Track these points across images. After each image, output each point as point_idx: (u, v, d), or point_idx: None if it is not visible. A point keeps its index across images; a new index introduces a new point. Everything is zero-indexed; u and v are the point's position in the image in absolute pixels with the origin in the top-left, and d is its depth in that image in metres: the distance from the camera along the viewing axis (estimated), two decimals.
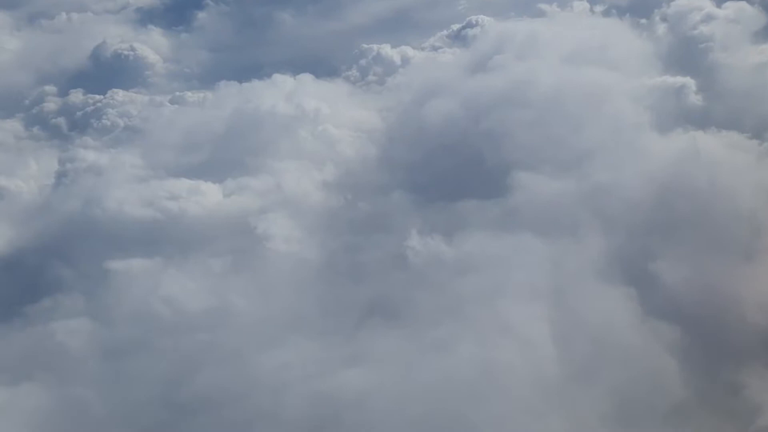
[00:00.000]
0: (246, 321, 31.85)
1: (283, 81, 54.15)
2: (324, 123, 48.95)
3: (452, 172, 37.99)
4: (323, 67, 63.44)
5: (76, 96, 63.94)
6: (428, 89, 46.70)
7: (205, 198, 40.99)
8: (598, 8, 60.52)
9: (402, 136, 44.89)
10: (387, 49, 61.57)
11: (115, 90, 63.29)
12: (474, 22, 60.76)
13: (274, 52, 71.78)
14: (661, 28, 52.06)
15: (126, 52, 71.32)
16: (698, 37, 47.81)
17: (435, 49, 62.15)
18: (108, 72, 69.81)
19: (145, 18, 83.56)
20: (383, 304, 30.14)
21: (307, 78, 54.93)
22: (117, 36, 76.71)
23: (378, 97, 56.12)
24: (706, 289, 26.96)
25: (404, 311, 29.22)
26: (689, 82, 42.89)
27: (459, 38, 59.65)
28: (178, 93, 61.70)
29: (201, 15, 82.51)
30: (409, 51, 61.22)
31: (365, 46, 64.29)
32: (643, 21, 54.85)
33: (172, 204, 40.16)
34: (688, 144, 36.44)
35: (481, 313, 27.37)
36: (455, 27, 62.34)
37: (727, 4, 51.56)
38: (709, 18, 49.36)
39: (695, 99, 42.25)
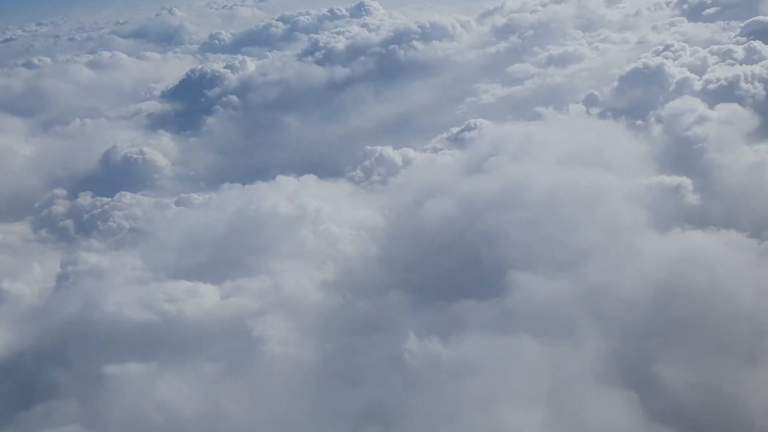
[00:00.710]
0: (238, 428, 30.97)
1: (286, 182, 55.18)
2: (325, 222, 49.28)
3: (450, 271, 37.82)
4: (328, 169, 65.36)
5: (85, 199, 65.41)
6: (427, 189, 47.45)
7: (203, 300, 40.71)
8: (594, 110, 62.73)
9: (401, 235, 45.23)
10: (389, 151, 63.33)
11: (123, 192, 64.88)
12: (472, 125, 62.84)
13: (280, 154, 74.00)
14: (657, 129, 53.44)
15: (135, 156, 73.64)
16: (693, 138, 48.84)
17: (436, 150, 64.00)
18: (117, 175, 71.87)
19: (156, 123, 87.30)
20: (379, 410, 29.24)
21: (310, 179, 56.06)
22: (128, 140, 79.58)
23: (380, 197, 57.01)
24: (709, 392, 26.07)
25: (400, 417, 28.35)
26: (686, 181, 43.20)
27: (458, 141, 61.39)
28: (183, 195, 62.85)
29: (210, 120, 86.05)
30: (411, 152, 62.92)
31: (369, 147, 66.29)
32: (639, 122, 56.48)
33: (169, 306, 39.91)
34: (687, 243, 36.21)
35: (477, 418, 26.52)
36: (455, 130, 64.42)
37: (720, 105, 53.24)
38: (702, 119, 50.71)
39: (693, 198, 42.39)
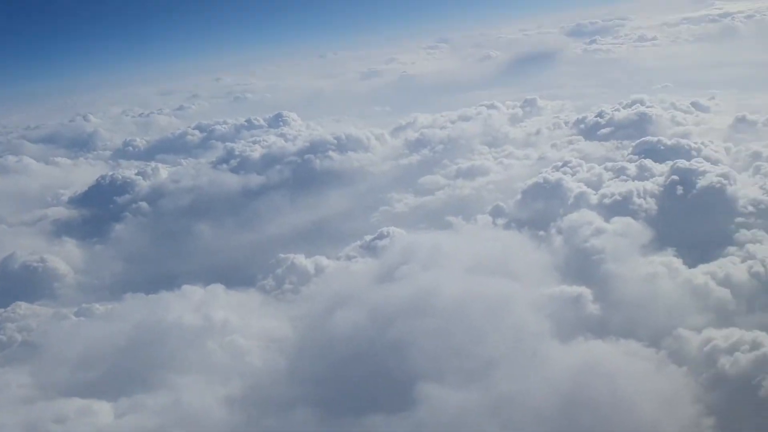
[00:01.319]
0: None
1: (193, 292, 53.56)
2: (232, 334, 47.71)
3: (359, 384, 36.92)
4: (238, 277, 64.05)
5: None
6: (339, 298, 46.98)
7: (96, 419, 37.82)
8: (500, 221, 65.22)
9: (311, 346, 44.19)
10: (301, 259, 62.95)
11: (19, 303, 60.94)
12: (385, 233, 63.68)
13: (189, 263, 72.39)
14: (558, 240, 55.79)
15: (35, 264, 70.20)
16: (591, 249, 51.28)
17: (349, 258, 64.04)
18: (14, 284, 67.95)
19: (61, 230, 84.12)
20: None
21: (217, 288, 54.66)
22: (29, 247, 75.99)
23: (291, 306, 56.01)
24: None
25: None
26: (585, 291, 44.88)
27: (371, 249, 61.81)
28: (85, 305, 59.59)
29: (118, 227, 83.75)
30: (324, 261, 62.70)
31: (282, 255, 65.69)
32: (541, 233, 58.94)
33: (57, 428, 36.80)
34: (589, 353, 37.17)
35: None
36: (368, 238, 65.09)
37: (615, 219, 56.54)
38: (598, 232, 53.54)
39: (593, 308, 43.92)
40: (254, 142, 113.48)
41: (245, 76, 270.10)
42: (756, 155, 72.27)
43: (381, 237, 63.51)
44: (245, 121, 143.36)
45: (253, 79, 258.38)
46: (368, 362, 37.38)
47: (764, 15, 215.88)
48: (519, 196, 69.00)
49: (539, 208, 64.94)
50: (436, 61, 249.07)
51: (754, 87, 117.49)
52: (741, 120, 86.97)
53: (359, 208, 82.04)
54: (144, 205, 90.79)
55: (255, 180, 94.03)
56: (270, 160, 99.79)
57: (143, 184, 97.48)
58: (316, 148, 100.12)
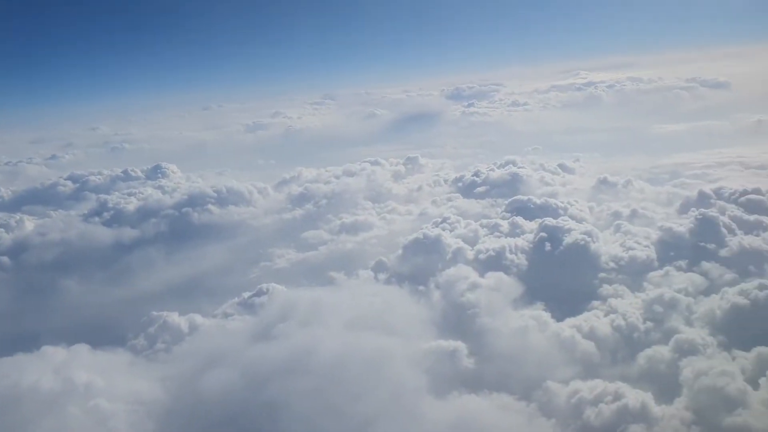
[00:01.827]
0: None
1: (54, 353, 49.51)
2: (96, 397, 44.29)
3: None
4: (106, 337, 59.83)
5: None
6: (212, 358, 45.08)
7: None
8: (382, 276, 65.71)
9: (181, 408, 41.72)
10: (174, 317, 60.10)
11: None
12: (264, 290, 62.21)
13: (52, 321, 67.36)
14: (436, 295, 56.85)
15: None
16: (466, 304, 52.66)
17: (226, 316, 61.84)
18: None
19: None
20: None
21: (81, 348, 50.79)
22: None
23: (162, 367, 52.90)
24: None
25: None
26: (461, 345, 45.74)
27: (248, 306, 60.07)
28: None
29: None
30: (198, 318, 60.09)
31: (154, 313, 62.49)
32: (421, 288, 59.87)
33: None
34: (463, 408, 37.62)
35: None
36: (246, 295, 63.34)
37: (489, 273, 58.55)
38: (474, 286, 55.16)
39: (468, 362, 44.77)
40: (130, 194, 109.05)
41: (124, 125, 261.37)
42: (616, 214, 77.65)
43: (260, 294, 61.95)
44: (121, 172, 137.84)
45: (132, 129, 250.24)
46: (240, 425, 35.81)
47: (623, 85, 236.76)
48: (400, 251, 70.00)
49: (419, 263, 66.11)
50: (322, 117, 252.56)
51: (614, 151, 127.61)
52: (603, 181, 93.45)
53: (239, 263, 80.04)
54: (5, 259, 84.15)
55: (129, 234, 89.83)
56: (145, 213, 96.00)
57: (5, 237, 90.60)
58: (194, 201, 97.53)
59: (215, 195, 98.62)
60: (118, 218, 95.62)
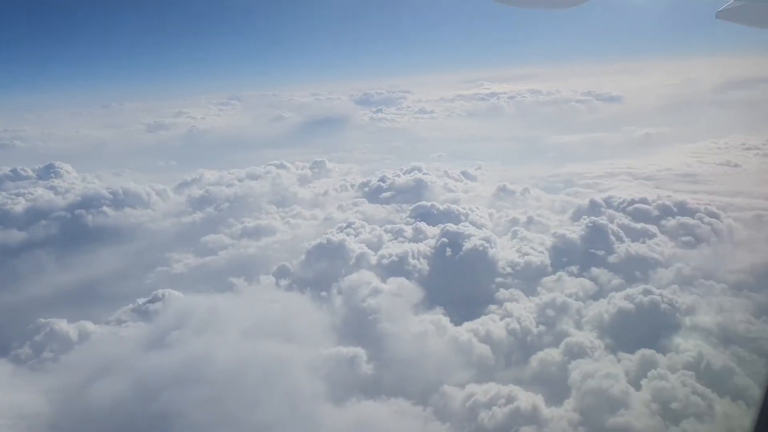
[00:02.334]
0: None
1: None
2: None
3: None
4: None
5: None
6: (102, 368, 43.24)
7: None
8: (284, 282, 64.92)
9: (66, 421, 39.78)
10: (63, 324, 56.97)
11: None
12: (160, 296, 60.07)
13: None
14: (338, 301, 56.79)
15: None
16: (367, 309, 52.89)
17: (120, 323, 59.30)
18: None
19: None
20: None
21: None
22: None
23: (48, 378, 50.10)
24: None
25: None
26: (361, 351, 45.88)
27: (143, 312, 57.80)
28: None
29: None
30: (89, 326, 57.31)
31: (42, 320, 59.00)
32: (324, 294, 59.61)
33: None
34: (360, 414, 37.76)
35: None
36: (141, 301, 60.95)
37: (391, 279, 59.10)
38: (375, 292, 55.51)
39: (367, 368, 44.94)
40: (17, 195, 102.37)
41: (17, 122, 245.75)
42: (514, 221, 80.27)
43: (155, 300, 59.75)
44: (10, 170, 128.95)
45: (25, 126, 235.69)
46: None
47: (524, 97, 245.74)
48: (303, 257, 69.42)
49: (323, 269, 65.79)
50: (228, 118, 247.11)
51: (514, 159, 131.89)
52: (502, 189, 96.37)
53: (135, 268, 76.75)
54: None
55: (15, 236, 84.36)
56: (35, 215, 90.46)
57: None
58: (88, 202, 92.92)
59: (111, 197, 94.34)
60: (3, 220, 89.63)
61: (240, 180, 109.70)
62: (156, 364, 41.59)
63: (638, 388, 41.42)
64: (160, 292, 62.15)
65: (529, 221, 79.81)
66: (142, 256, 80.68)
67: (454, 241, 68.01)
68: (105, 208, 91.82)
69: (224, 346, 42.56)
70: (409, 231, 74.83)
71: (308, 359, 43.34)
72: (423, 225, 75.62)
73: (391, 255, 66.72)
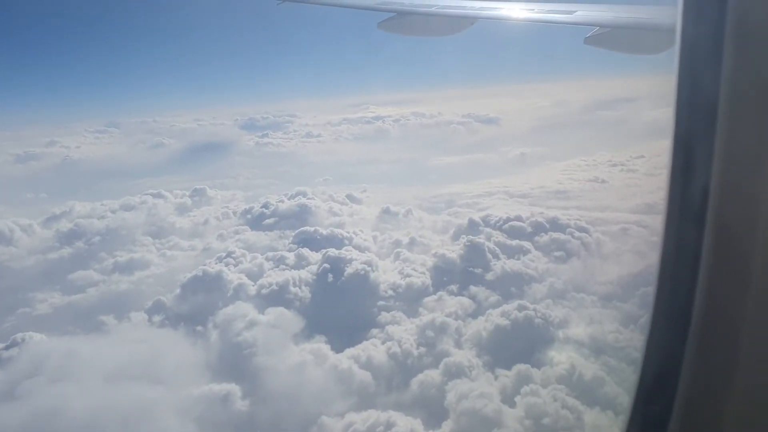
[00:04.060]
0: None
1: None
2: None
3: None
4: None
5: None
6: None
7: None
8: (157, 318, 61.63)
9: None
10: None
11: None
12: (18, 340, 55.31)
13: None
14: (214, 336, 54.48)
15: None
16: (243, 343, 51.00)
17: None
18: None
19: None
20: None
21: None
22: None
23: None
24: None
25: None
26: (235, 388, 44.01)
27: (1, 360, 52.96)
28: None
29: None
30: None
31: None
32: (200, 329, 57.06)
33: None
34: None
35: None
36: None
37: (269, 309, 57.45)
38: (252, 324, 53.70)
39: (241, 405, 43.17)
40: None
41: None
42: (397, 242, 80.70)
43: (14, 344, 55.00)
44: None
45: None
46: None
47: (408, 119, 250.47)
48: (178, 290, 66.38)
49: (199, 302, 63.07)
50: (105, 146, 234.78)
51: (398, 181, 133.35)
52: (386, 211, 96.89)
53: None
54: None
55: None
56: None
57: None
58: None
59: None
60: None
61: (113, 211, 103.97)
62: (6, 416, 37.87)
63: (513, 405, 42.10)
64: (19, 336, 57.25)
65: (412, 242, 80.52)
66: (2, 297, 74.31)
67: (336, 266, 67.38)
68: None
69: (82, 393, 39.47)
70: (291, 258, 73.36)
71: (177, 400, 41.05)
72: (306, 251, 74.35)
73: (271, 284, 65.01)
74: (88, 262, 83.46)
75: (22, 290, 75.56)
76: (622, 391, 43.98)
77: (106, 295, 72.63)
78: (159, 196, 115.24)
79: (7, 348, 54.20)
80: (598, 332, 55.29)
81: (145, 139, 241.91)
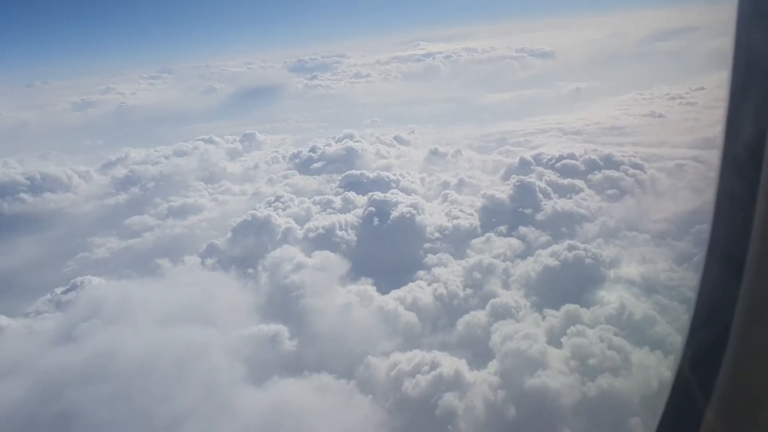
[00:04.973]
0: None
1: None
2: None
3: None
4: None
5: None
6: (10, 365, 41.01)
7: None
8: (210, 261, 63.13)
9: None
10: None
11: None
12: (78, 284, 57.69)
13: None
14: (263, 278, 55.50)
15: None
16: (290, 286, 51.72)
17: (37, 314, 56.77)
18: None
19: None
20: None
21: None
22: None
23: None
24: None
25: None
26: (282, 329, 44.88)
27: (60, 302, 55.48)
28: None
29: None
30: (3, 320, 54.61)
31: None
32: (251, 271, 58.17)
33: None
34: (280, 393, 36.92)
35: None
36: (59, 290, 58.42)
37: (316, 252, 57.96)
38: (299, 267, 54.31)
39: (289, 345, 44.06)
40: None
41: None
42: (445, 184, 79.97)
43: (73, 288, 57.36)
44: None
45: None
46: None
47: (459, 56, 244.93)
48: (230, 234, 67.60)
49: (249, 246, 64.21)
50: (159, 92, 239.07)
51: (448, 121, 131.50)
52: (434, 152, 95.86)
53: (55, 255, 73.61)
54: None
55: None
56: None
57: None
58: (3, 190, 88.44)
59: (28, 182, 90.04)
60: None
61: (167, 157, 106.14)
62: (64, 358, 39.64)
63: (559, 345, 41.72)
64: (78, 279, 59.75)
65: (460, 183, 79.63)
66: (63, 242, 77.50)
67: (382, 209, 67.16)
68: (22, 195, 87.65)
69: (138, 335, 40.90)
70: (338, 202, 73.60)
71: (227, 342, 42.16)
72: (352, 195, 74.41)
73: (317, 228, 65.49)
74: (144, 207, 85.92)
75: (81, 235, 78.58)
76: (673, 331, 43.01)
77: (161, 239, 74.86)
78: (210, 141, 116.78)
79: (66, 291, 56.60)
80: (651, 271, 53.89)
81: (197, 84, 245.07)
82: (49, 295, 59.29)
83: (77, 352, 39.27)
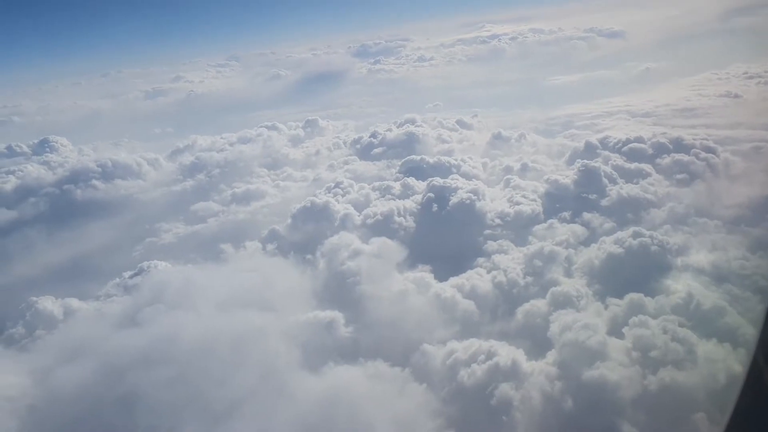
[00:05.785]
0: None
1: None
2: None
3: None
4: None
5: None
6: (76, 348, 42.66)
7: None
8: (270, 247, 64.03)
9: (43, 404, 39.48)
10: (48, 302, 56.73)
11: None
12: (145, 268, 59.53)
13: None
14: (321, 264, 55.79)
15: None
16: (347, 272, 51.78)
17: (107, 298, 59.03)
18: None
19: None
20: None
21: None
22: None
23: (33, 358, 50.04)
24: None
25: None
26: (338, 315, 44.97)
27: (128, 286, 57.40)
28: None
29: None
30: (75, 303, 57.07)
31: (33, 299, 58.90)
32: (309, 257, 58.63)
33: None
34: (336, 379, 37.05)
35: None
36: (127, 274, 60.48)
37: (373, 239, 57.83)
38: (356, 253, 54.28)
39: (345, 332, 44.11)
40: (8, 173, 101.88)
41: (16, 97, 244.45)
42: (507, 169, 78.40)
43: (140, 272, 59.24)
44: (5, 147, 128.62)
45: (23, 101, 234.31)
46: (92, 423, 33.96)
47: (525, 37, 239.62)
48: (290, 221, 68.33)
49: (309, 232, 64.71)
50: (226, 80, 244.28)
51: (513, 104, 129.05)
52: (497, 136, 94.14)
53: (125, 240, 76.44)
54: None
55: (5, 215, 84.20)
56: (24, 193, 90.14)
57: None
58: (77, 177, 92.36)
59: (100, 170, 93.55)
60: None
61: (231, 144, 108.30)
62: (129, 341, 40.91)
63: (621, 336, 40.28)
64: (145, 264, 61.65)
65: (524, 168, 78.00)
66: (132, 228, 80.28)
67: (441, 195, 66.41)
68: (94, 182, 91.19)
69: (196, 320, 41.77)
70: (397, 187, 73.27)
71: (284, 327, 42.53)
72: (411, 180, 73.89)
73: (375, 214, 65.37)
74: (209, 193, 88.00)
75: (149, 221, 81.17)
76: (745, 322, 40.83)
77: (224, 224, 76.52)
78: (273, 128, 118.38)
79: (133, 276, 58.47)
80: (722, 259, 51.22)
81: (263, 71, 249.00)
82: (117, 279, 61.51)
83: (140, 336, 40.41)
